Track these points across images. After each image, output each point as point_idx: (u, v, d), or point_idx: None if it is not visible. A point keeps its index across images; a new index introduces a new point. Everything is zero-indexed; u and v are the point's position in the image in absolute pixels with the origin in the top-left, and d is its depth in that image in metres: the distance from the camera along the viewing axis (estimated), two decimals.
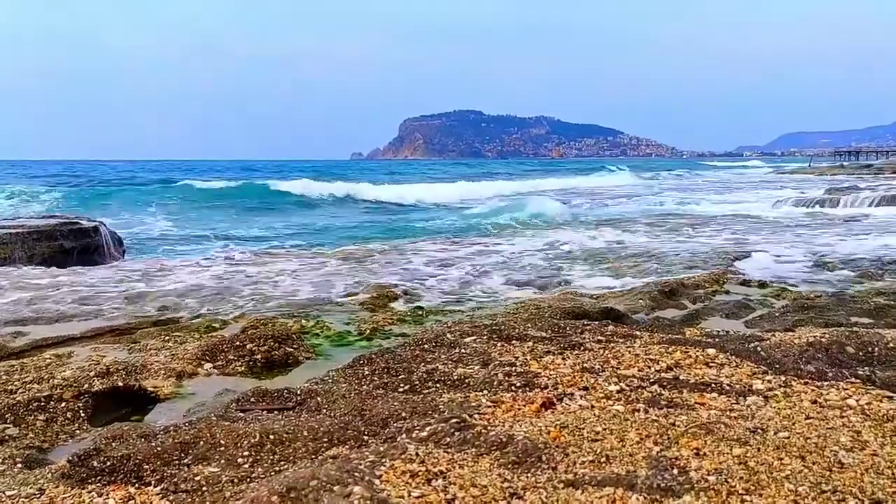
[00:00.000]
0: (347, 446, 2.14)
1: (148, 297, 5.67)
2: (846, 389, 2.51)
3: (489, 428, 2.18)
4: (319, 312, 4.83)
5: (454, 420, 2.23)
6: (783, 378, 2.67)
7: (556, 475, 1.84)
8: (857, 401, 2.37)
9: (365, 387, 2.77)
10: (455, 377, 2.79)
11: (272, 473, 1.97)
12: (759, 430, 2.10)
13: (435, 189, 26.24)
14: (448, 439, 2.09)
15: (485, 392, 2.60)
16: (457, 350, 3.22)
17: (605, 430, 2.15)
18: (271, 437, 2.18)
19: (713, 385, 2.60)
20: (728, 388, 2.57)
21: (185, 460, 2.08)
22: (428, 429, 2.18)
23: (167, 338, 4.09)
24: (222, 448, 2.14)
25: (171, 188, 25.39)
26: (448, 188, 26.88)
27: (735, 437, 2.05)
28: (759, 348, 3.08)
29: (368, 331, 4.23)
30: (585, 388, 2.60)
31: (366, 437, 2.20)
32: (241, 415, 2.48)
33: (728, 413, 2.29)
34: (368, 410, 2.41)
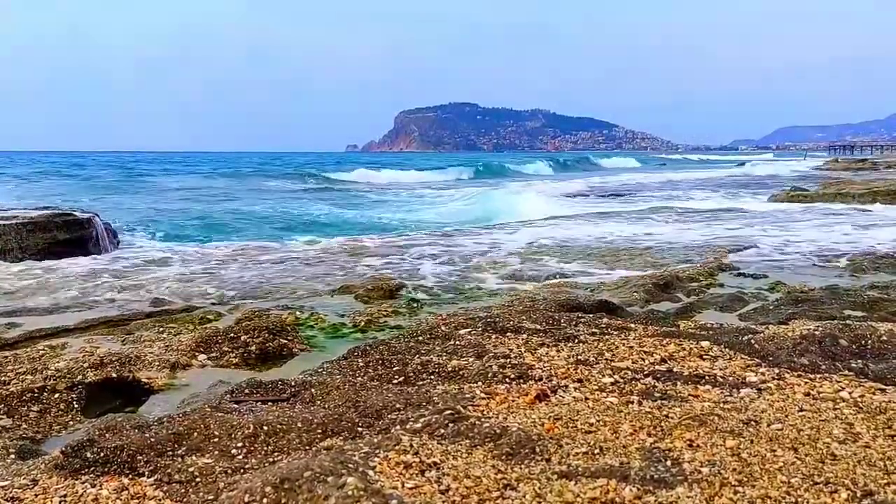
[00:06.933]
0: (341, 437, 2.14)
1: (142, 288, 5.65)
2: (839, 382, 2.52)
3: (483, 419, 2.18)
4: (314, 304, 4.82)
5: (448, 412, 2.23)
6: (776, 370, 2.68)
7: (549, 466, 1.85)
8: (849, 393, 2.38)
9: (359, 378, 2.77)
10: (449, 369, 2.79)
11: (266, 464, 1.97)
12: (752, 422, 2.11)
13: None
14: (442, 431, 2.09)
15: (479, 384, 2.60)
16: (451, 342, 3.22)
17: (598, 421, 2.16)
18: (265, 428, 2.17)
19: (707, 377, 2.61)
20: (722, 380, 2.57)
21: (179, 451, 2.08)
22: (422, 420, 2.18)
23: (161, 329, 4.08)
24: (216, 439, 2.13)
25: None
26: None
27: (728, 429, 2.06)
28: (752, 341, 3.09)
29: (363, 323, 4.22)
30: (579, 381, 2.60)
31: (360, 429, 2.20)
32: (235, 406, 2.47)
33: (721, 405, 2.29)
34: (363, 402, 2.41)
